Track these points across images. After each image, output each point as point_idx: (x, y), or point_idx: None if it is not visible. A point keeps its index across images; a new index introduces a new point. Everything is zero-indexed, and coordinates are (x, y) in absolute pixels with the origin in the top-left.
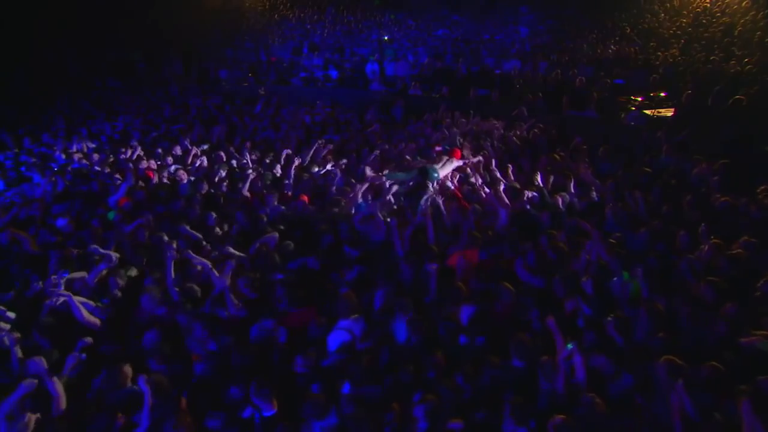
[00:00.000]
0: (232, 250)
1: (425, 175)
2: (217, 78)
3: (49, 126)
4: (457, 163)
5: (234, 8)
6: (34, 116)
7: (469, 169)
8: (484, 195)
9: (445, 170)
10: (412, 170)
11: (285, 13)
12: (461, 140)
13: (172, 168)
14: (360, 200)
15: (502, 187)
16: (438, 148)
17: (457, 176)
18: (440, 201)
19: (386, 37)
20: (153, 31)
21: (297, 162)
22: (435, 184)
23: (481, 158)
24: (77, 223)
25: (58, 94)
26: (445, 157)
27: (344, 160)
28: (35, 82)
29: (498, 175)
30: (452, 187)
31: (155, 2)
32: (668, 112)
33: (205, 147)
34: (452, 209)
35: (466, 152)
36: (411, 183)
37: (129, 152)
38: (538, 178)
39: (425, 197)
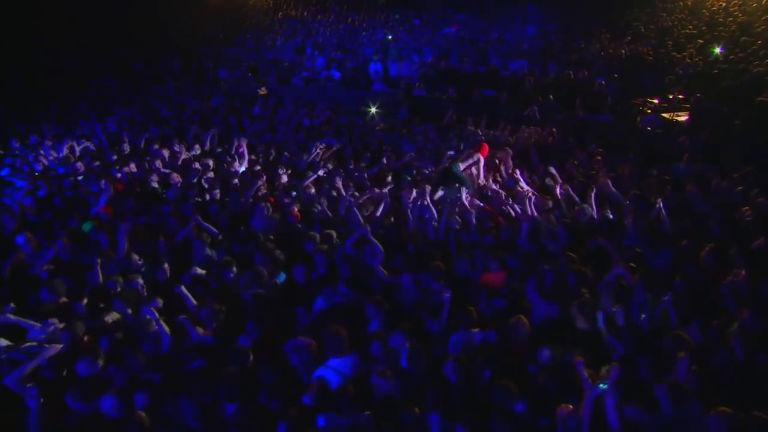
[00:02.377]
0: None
1: (449, 178)
2: (216, 78)
3: (40, 127)
4: (479, 157)
5: (236, 6)
6: (26, 116)
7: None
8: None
9: (465, 163)
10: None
11: (288, 12)
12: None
13: (160, 173)
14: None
15: (532, 200)
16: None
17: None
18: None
19: (390, 37)
20: (153, 29)
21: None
22: (460, 186)
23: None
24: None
25: (52, 94)
26: (472, 152)
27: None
28: (31, 80)
29: (526, 187)
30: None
31: (157, 0)
32: (687, 116)
33: (197, 151)
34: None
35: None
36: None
37: (117, 156)
38: (558, 190)
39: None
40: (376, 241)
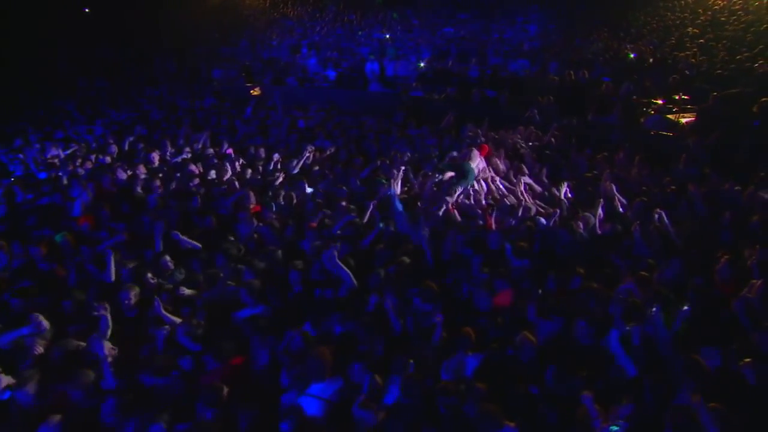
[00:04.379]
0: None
1: (464, 175)
2: (210, 78)
3: (26, 129)
4: (481, 160)
5: (233, 6)
6: (13, 117)
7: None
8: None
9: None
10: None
11: (285, 11)
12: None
13: (145, 178)
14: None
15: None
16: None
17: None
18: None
19: (387, 36)
20: (148, 28)
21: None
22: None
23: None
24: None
25: (41, 95)
26: (476, 153)
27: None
28: (22, 81)
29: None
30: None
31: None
32: (692, 117)
33: (188, 155)
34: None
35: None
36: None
37: (106, 159)
38: (564, 193)
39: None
40: (342, 266)
